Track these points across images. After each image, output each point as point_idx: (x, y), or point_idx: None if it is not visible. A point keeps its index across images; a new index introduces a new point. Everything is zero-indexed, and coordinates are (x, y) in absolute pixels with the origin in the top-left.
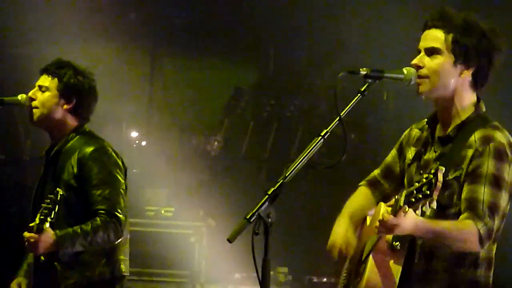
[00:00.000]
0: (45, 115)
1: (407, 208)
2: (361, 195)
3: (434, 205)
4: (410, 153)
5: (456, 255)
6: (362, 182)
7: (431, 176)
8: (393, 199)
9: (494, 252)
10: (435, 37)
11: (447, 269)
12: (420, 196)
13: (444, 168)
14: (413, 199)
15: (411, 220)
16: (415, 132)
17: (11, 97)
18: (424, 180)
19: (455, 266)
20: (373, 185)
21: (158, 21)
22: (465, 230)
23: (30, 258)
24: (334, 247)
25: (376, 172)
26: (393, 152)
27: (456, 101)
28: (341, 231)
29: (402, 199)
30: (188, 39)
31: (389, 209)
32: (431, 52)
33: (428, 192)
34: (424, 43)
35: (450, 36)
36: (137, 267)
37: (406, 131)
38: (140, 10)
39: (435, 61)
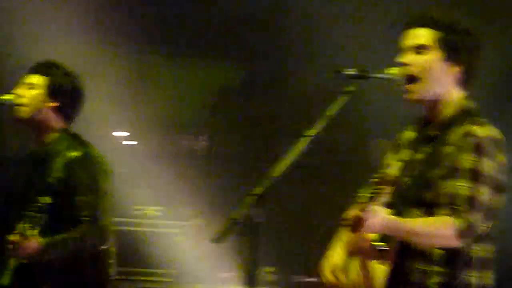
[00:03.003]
0: (31, 113)
1: (369, 204)
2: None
3: (388, 198)
4: (403, 155)
5: (449, 255)
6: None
7: (386, 170)
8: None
9: (491, 252)
10: (421, 35)
11: (439, 269)
12: (377, 190)
13: (399, 162)
14: (372, 195)
15: (379, 219)
16: (408, 133)
17: None
18: (380, 175)
19: (447, 267)
20: None
21: (144, 19)
22: (440, 226)
23: (13, 263)
24: (322, 275)
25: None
26: (389, 154)
27: (445, 99)
28: (331, 258)
29: (367, 195)
30: (176, 37)
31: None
32: (418, 49)
33: (382, 187)
34: (410, 41)
35: (438, 34)
36: (124, 266)
37: (401, 133)
38: (126, 9)
39: (424, 58)
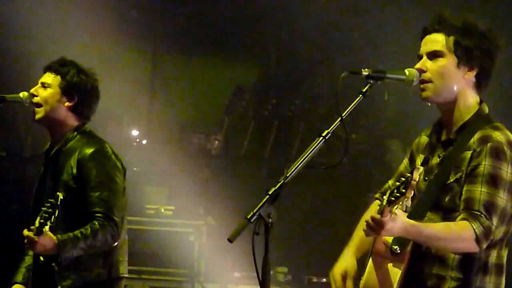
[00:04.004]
0: (47, 112)
1: (390, 208)
2: (373, 210)
3: (409, 203)
4: (419, 160)
5: (464, 260)
6: (377, 195)
7: (409, 175)
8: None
9: (505, 257)
10: (436, 40)
11: (455, 274)
12: (398, 194)
13: (422, 168)
14: (393, 198)
15: (399, 223)
16: (424, 139)
17: (12, 94)
18: (403, 179)
19: (463, 272)
20: None
21: (159, 19)
22: (459, 230)
23: (28, 260)
24: (333, 281)
25: (390, 182)
26: (405, 160)
27: (460, 103)
28: (342, 265)
29: (386, 198)
30: (190, 37)
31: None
32: (433, 55)
33: (404, 191)
34: (425, 48)
35: (451, 39)
36: (136, 265)
37: (417, 139)
38: (142, 9)
39: (438, 64)
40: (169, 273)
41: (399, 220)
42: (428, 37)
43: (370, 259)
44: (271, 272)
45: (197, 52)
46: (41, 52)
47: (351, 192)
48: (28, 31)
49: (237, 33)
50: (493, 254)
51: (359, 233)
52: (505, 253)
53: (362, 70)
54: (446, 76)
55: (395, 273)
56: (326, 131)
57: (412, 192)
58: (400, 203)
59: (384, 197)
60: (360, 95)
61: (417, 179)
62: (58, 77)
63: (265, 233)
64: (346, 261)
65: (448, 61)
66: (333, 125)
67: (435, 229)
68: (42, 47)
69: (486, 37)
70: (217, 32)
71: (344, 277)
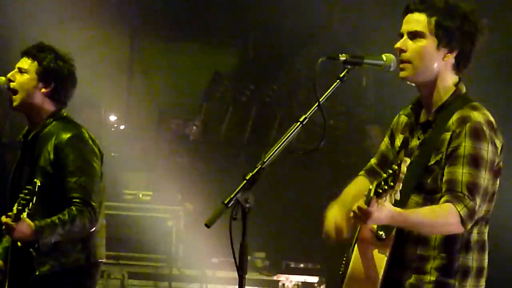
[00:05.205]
0: (23, 98)
1: (378, 199)
2: (357, 184)
3: (398, 196)
4: (399, 140)
5: (446, 239)
6: (361, 172)
7: (396, 167)
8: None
9: (486, 234)
10: (417, 20)
11: (437, 254)
12: (386, 187)
13: (408, 160)
14: (380, 190)
15: (386, 212)
16: (402, 118)
17: None
18: (390, 171)
19: (446, 251)
20: (371, 174)
21: (137, 4)
22: (444, 214)
23: (5, 243)
24: (328, 235)
25: (372, 161)
26: (386, 139)
27: (439, 84)
28: (330, 219)
29: (373, 189)
30: (168, 22)
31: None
32: (414, 35)
33: (392, 184)
34: (406, 27)
35: (433, 19)
36: (114, 250)
37: (396, 118)
38: None
39: (418, 44)
40: (147, 258)
41: (386, 209)
42: (410, 15)
43: (356, 246)
44: (249, 258)
45: (175, 38)
46: (17, 35)
47: (330, 178)
48: (3, 13)
49: (215, 18)
50: (475, 232)
51: (343, 199)
52: (485, 229)
53: (340, 55)
54: (426, 57)
55: (381, 259)
56: (303, 116)
57: (401, 185)
58: (389, 195)
59: (371, 187)
60: (338, 81)
61: (404, 172)
62: (35, 63)
63: (242, 218)
64: (333, 213)
65: (428, 42)
66: (310, 110)
67: (421, 215)
68: (18, 30)
69: (468, 19)
70: (195, 17)
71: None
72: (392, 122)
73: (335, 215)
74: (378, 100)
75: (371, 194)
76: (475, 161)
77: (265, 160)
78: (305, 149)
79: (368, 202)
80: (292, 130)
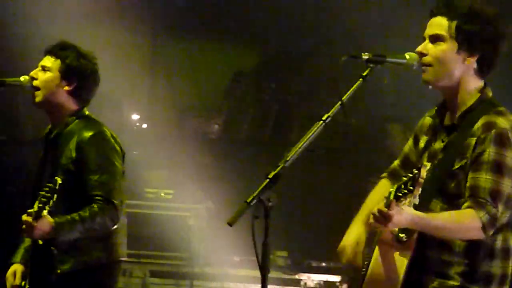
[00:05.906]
0: (46, 96)
1: (397, 203)
2: (381, 188)
3: (417, 200)
4: (422, 142)
5: (470, 245)
6: (384, 174)
7: (416, 171)
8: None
9: (511, 240)
10: (439, 24)
11: (461, 260)
12: (406, 191)
13: (429, 164)
14: (400, 194)
15: (406, 215)
16: (427, 119)
17: (12, 78)
18: (410, 175)
19: (469, 257)
20: (394, 176)
21: (159, 3)
22: (465, 219)
23: (27, 241)
24: (342, 254)
25: (396, 162)
26: (410, 141)
27: (462, 88)
28: (352, 237)
29: (393, 192)
30: (189, 21)
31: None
32: (435, 39)
33: (411, 188)
34: (428, 30)
35: (454, 23)
36: (135, 249)
37: (421, 120)
38: None
39: (438, 48)
40: (168, 257)
41: (406, 212)
42: (433, 19)
43: (376, 248)
44: (271, 256)
45: (197, 36)
46: (38, 33)
47: (351, 177)
48: (26, 13)
49: (236, 18)
50: (499, 239)
51: (368, 205)
52: (510, 236)
53: (362, 54)
54: (445, 61)
55: (402, 261)
56: (326, 115)
57: (420, 189)
58: (408, 199)
59: (391, 190)
60: (360, 79)
61: (424, 177)
62: (58, 61)
63: (264, 217)
64: (356, 231)
65: (448, 46)
66: (333, 109)
67: (442, 220)
68: (41, 29)
69: (490, 24)
70: (216, 17)
71: (354, 249)
72: (417, 125)
73: (359, 236)
74: (399, 99)
75: (391, 197)
76: (498, 168)
77: (287, 159)
78: (327, 148)
79: (388, 205)
80: (315, 129)
